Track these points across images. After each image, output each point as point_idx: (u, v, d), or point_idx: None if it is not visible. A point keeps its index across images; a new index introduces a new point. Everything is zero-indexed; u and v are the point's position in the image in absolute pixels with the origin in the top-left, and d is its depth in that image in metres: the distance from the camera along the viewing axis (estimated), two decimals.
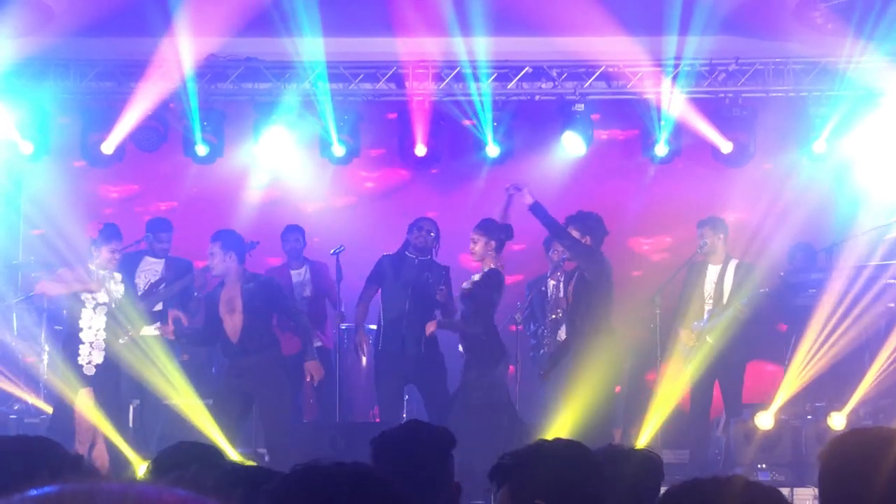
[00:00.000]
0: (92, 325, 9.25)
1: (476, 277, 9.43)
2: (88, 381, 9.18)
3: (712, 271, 10.06)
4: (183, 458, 3.79)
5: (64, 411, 9.26)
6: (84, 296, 9.24)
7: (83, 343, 9.21)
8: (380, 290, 10.24)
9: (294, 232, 11.10)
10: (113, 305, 9.31)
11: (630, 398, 10.60)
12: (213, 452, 3.94)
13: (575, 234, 9.16)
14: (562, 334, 10.83)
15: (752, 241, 11.22)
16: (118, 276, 9.43)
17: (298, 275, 11.02)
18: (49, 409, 10.16)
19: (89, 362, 9.20)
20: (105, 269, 9.31)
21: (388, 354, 10.02)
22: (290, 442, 9.15)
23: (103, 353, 9.25)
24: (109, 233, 9.41)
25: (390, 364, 10.01)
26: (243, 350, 9.16)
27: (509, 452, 3.45)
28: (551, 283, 10.88)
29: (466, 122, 11.68)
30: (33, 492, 1.31)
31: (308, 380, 9.46)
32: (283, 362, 9.43)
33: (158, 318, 9.99)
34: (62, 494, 1.29)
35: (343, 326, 10.93)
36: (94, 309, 9.26)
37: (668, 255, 10.82)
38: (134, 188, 12.78)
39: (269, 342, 9.31)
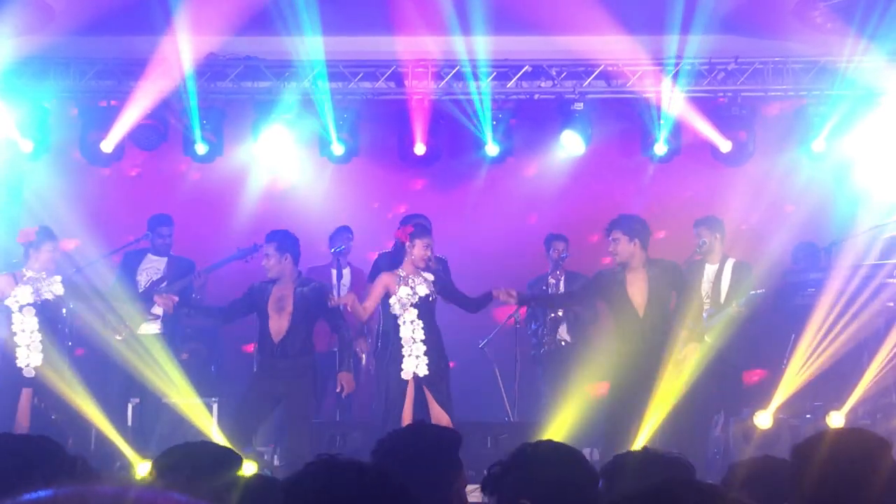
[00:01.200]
0: (25, 328, 9.22)
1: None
2: (29, 383, 9.21)
3: (709, 271, 10.06)
4: (190, 459, 3.79)
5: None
6: (7, 301, 9.23)
7: (19, 346, 9.19)
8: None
9: (346, 232, 11.15)
10: (48, 304, 9.27)
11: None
12: (225, 456, 3.93)
13: (622, 238, 9.15)
14: (562, 332, 10.84)
15: (752, 240, 11.23)
16: (57, 278, 9.36)
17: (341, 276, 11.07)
18: None
19: (28, 365, 9.18)
20: (43, 271, 9.28)
21: (386, 358, 10.01)
22: (307, 446, 9.10)
23: (41, 355, 9.21)
24: (46, 234, 9.37)
25: (390, 369, 10.00)
26: (283, 352, 9.14)
27: (497, 462, 3.46)
28: (551, 281, 10.89)
29: (465, 122, 11.67)
30: (28, 496, 1.31)
31: (338, 390, 9.43)
32: (316, 367, 9.41)
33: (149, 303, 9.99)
34: (56, 499, 1.29)
35: None
36: (21, 310, 9.22)
37: (668, 255, 10.79)
38: (133, 186, 12.78)
39: (308, 348, 9.29)
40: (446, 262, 10.10)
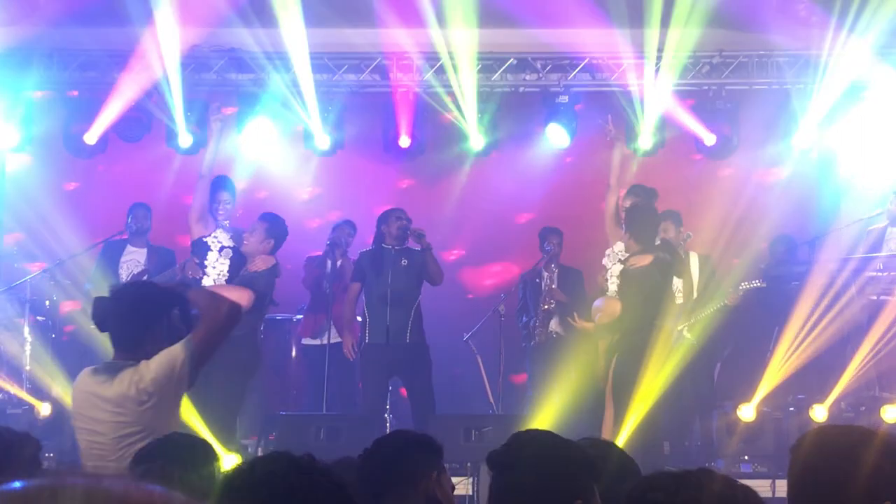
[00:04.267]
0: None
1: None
2: None
3: None
4: (170, 451, 3.79)
5: None
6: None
7: None
8: (363, 287, 10.25)
9: (346, 227, 11.17)
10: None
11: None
12: (202, 447, 3.92)
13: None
14: (553, 325, 10.84)
15: (736, 233, 11.25)
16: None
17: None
18: (32, 400, 10.17)
19: None
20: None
21: (374, 347, 10.01)
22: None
23: None
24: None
25: (376, 356, 10.01)
26: None
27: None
28: (545, 274, 10.91)
29: (450, 115, 11.66)
30: None
31: None
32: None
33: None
34: (27, 490, 1.28)
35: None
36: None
37: None
38: (116, 178, 12.73)
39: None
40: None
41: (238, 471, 2.36)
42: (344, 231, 11.11)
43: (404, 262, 10.02)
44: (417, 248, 10.08)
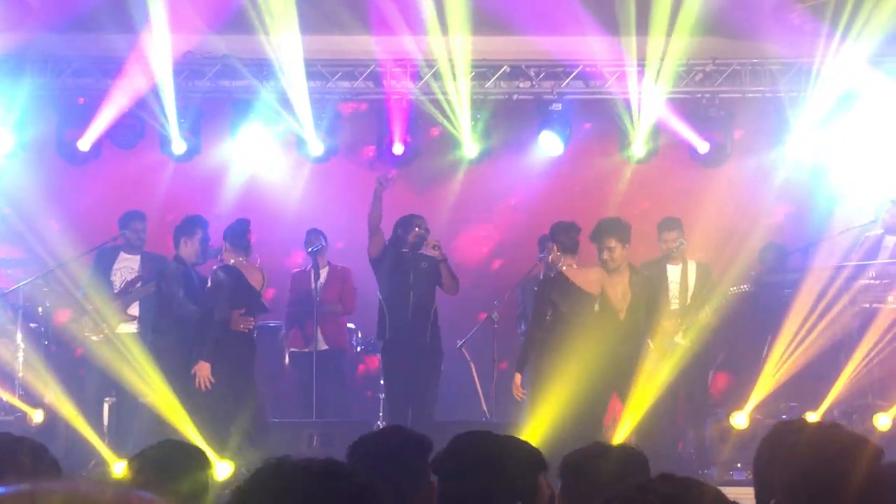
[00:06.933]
0: None
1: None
2: None
3: (672, 272, 10.11)
4: (163, 458, 3.78)
5: None
6: None
7: None
8: (379, 289, 10.21)
9: (317, 234, 11.16)
10: None
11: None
12: (196, 454, 3.91)
13: (618, 246, 9.10)
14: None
15: (729, 240, 11.25)
16: None
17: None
18: (25, 407, 10.14)
19: None
20: None
21: (395, 349, 10.01)
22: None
23: None
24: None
25: (399, 359, 10.00)
26: None
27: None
28: None
29: (443, 121, 11.67)
30: None
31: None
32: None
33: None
34: (5, 496, 1.27)
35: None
36: None
37: (646, 255, 10.81)
38: (110, 185, 12.72)
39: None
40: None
41: (254, 477, 2.28)
42: (317, 238, 11.12)
43: (424, 264, 10.05)
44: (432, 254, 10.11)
